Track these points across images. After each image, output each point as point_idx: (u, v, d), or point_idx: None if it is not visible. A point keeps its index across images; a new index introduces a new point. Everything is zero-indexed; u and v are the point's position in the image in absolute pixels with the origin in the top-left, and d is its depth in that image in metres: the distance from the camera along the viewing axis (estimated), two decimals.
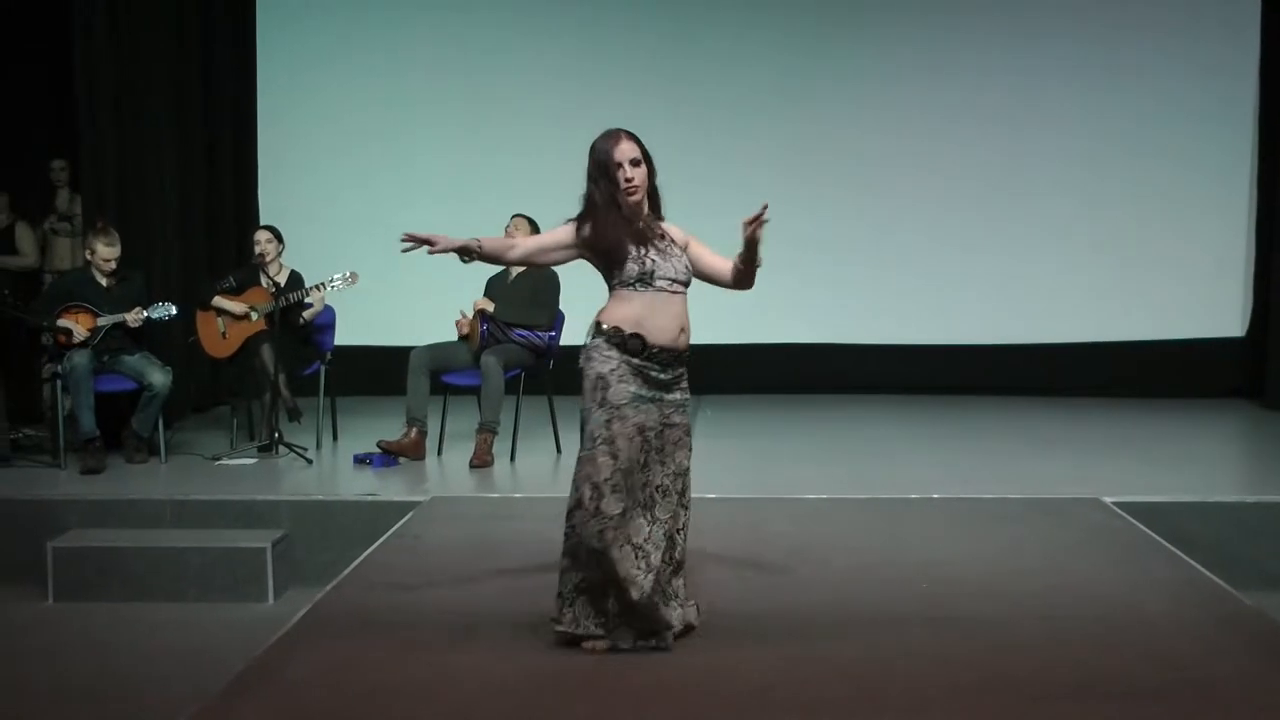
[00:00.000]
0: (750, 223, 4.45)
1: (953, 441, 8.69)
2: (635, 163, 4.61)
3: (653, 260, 4.57)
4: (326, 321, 8.81)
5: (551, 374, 8.28)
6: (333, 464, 8.05)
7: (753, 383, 10.32)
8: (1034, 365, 10.40)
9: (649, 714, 4.04)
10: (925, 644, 4.58)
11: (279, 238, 8.50)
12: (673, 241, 4.65)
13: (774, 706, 4.06)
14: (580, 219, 4.69)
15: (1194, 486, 7.01)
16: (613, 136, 4.67)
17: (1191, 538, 6.33)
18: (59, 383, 7.82)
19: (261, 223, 9.40)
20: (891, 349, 10.36)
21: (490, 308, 8.01)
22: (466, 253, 4.72)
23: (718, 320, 10.42)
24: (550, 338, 8.16)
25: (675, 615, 4.59)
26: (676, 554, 4.62)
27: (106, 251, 7.93)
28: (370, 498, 6.98)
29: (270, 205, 10.43)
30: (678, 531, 4.62)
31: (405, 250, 4.66)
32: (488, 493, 7.28)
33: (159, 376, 7.82)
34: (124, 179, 8.97)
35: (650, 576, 4.48)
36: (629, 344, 4.58)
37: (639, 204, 4.62)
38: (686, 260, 4.64)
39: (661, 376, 4.57)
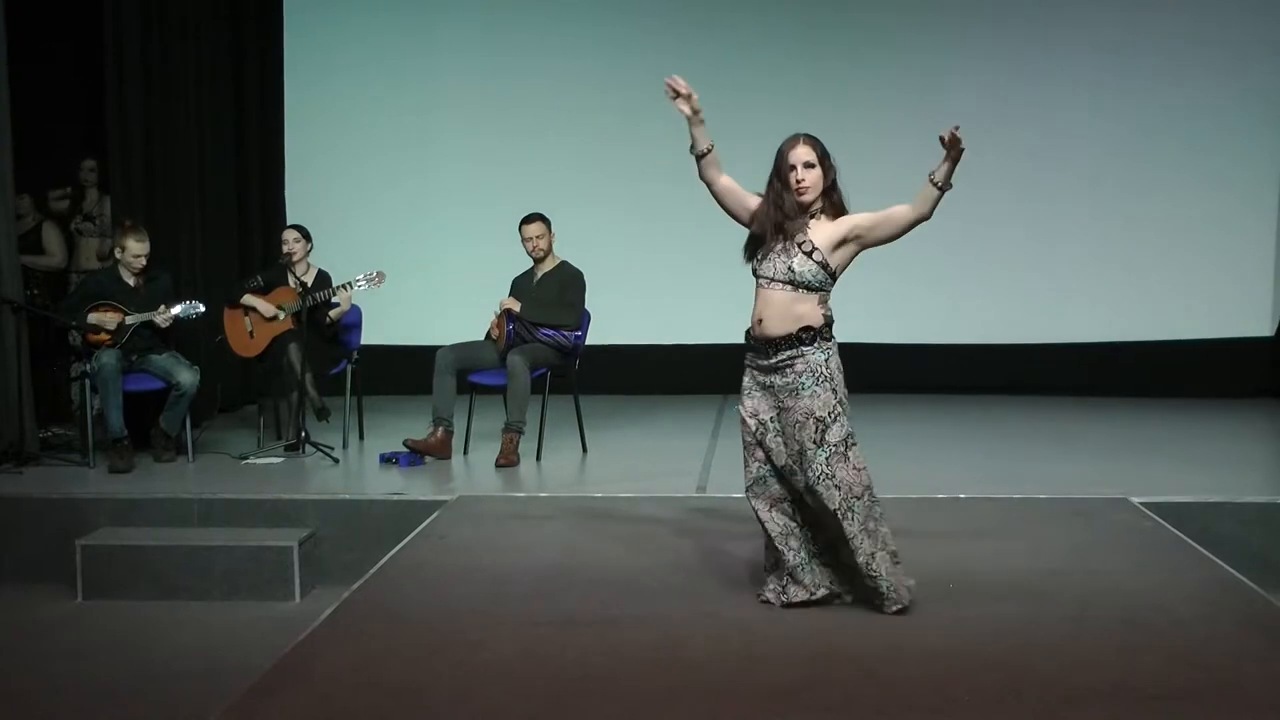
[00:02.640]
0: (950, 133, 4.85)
1: (980, 442, 8.66)
2: (808, 165, 4.88)
3: (763, 258, 4.90)
4: (353, 321, 8.82)
5: (578, 373, 8.28)
6: (359, 463, 8.07)
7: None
8: (1062, 365, 10.37)
9: (673, 714, 4.04)
10: (951, 645, 4.57)
11: (307, 237, 8.52)
12: (802, 244, 4.85)
13: (797, 707, 4.05)
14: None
15: (1223, 487, 6.96)
16: (792, 140, 4.95)
17: (1220, 538, 6.30)
18: (88, 382, 7.85)
19: (289, 222, 9.42)
20: (913, 348, 10.33)
21: (517, 307, 8.01)
22: (696, 145, 5.19)
23: (746, 319, 10.47)
24: (576, 337, 8.16)
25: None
26: (830, 535, 4.95)
27: (137, 248, 7.96)
28: (396, 497, 6.99)
29: (298, 205, 10.46)
30: (826, 511, 4.84)
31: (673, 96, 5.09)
32: (514, 492, 7.28)
33: (187, 376, 7.85)
34: (152, 179, 9.03)
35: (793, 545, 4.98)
36: (746, 335, 5.03)
37: (810, 203, 4.89)
38: (811, 263, 4.84)
39: (763, 362, 4.92)
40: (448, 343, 8.12)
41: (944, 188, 4.83)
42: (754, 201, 5.01)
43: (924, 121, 10.46)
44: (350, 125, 10.77)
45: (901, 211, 4.87)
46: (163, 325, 7.93)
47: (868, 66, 10.52)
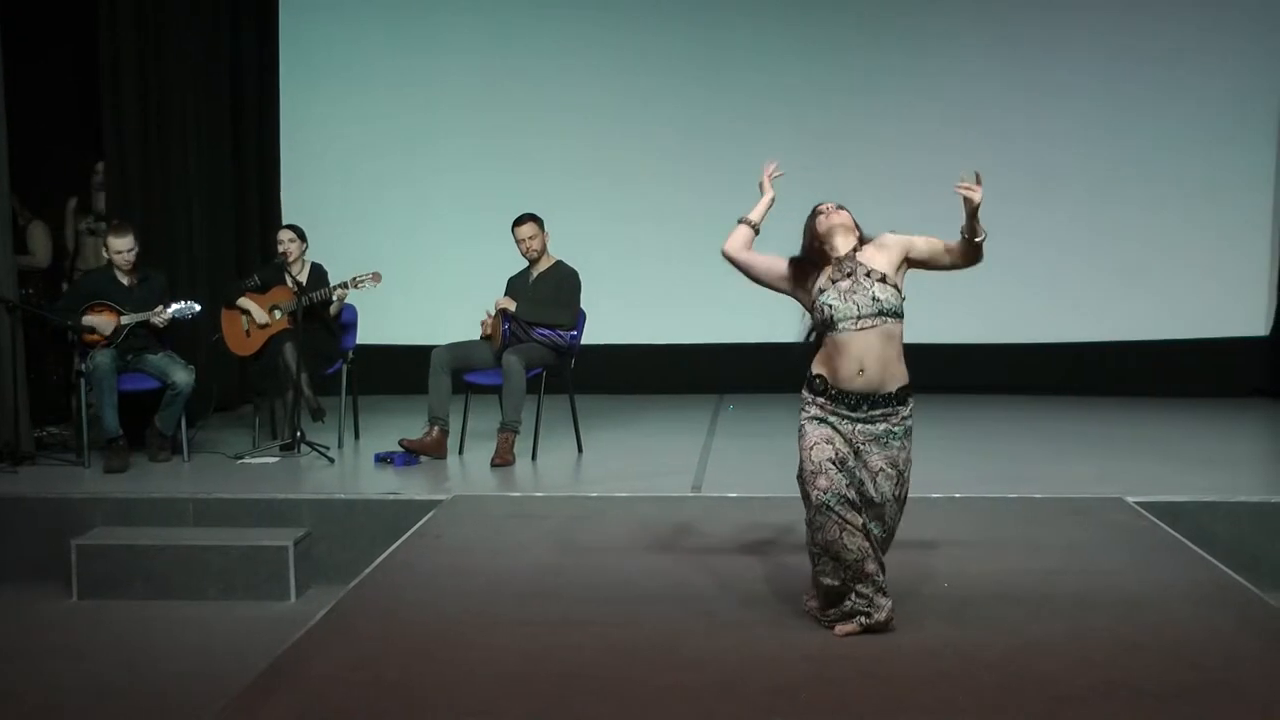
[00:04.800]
0: (962, 188, 4.83)
1: (975, 441, 8.66)
2: (840, 207, 4.94)
3: (834, 301, 4.73)
4: (349, 321, 8.82)
5: (573, 373, 8.28)
6: (355, 463, 8.06)
7: (776, 381, 10.28)
8: (1057, 365, 10.37)
9: (670, 713, 4.04)
10: (947, 644, 4.57)
11: (302, 237, 8.52)
12: (870, 273, 4.78)
13: (796, 706, 4.06)
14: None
15: (1217, 486, 6.96)
16: (825, 209, 4.95)
17: (1215, 538, 6.31)
18: (83, 381, 7.84)
19: (285, 222, 9.41)
20: (911, 348, 10.31)
21: (512, 307, 8.01)
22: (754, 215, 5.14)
23: (741, 319, 10.50)
24: (572, 337, 8.15)
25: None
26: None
27: (118, 243, 7.92)
28: (392, 496, 6.98)
29: (294, 205, 10.45)
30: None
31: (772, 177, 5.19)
32: (509, 491, 7.28)
33: (182, 375, 7.84)
34: (149, 180, 9.01)
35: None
36: (813, 384, 4.81)
37: (846, 225, 4.90)
38: (889, 289, 4.77)
39: (848, 413, 4.75)
40: (443, 342, 8.11)
41: (977, 238, 4.90)
42: (781, 264, 4.97)
43: (918, 126, 10.57)
44: (346, 126, 10.75)
45: (949, 254, 4.99)
46: (159, 325, 7.93)
47: (862, 72, 10.49)
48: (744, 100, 10.51)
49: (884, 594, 4.68)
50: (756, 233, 5.06)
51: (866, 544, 4.65)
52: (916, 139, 10.38)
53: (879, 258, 4.82)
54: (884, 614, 4.66)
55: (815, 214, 4.91)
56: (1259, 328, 10.22)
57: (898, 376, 4.80)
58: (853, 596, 4.68)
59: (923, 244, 4.93)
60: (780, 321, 10.23)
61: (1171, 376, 10.26)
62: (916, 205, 10.31)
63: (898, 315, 4.77)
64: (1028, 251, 10.34)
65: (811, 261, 4.87)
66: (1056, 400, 10.08)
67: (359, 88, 10.75)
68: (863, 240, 4.89)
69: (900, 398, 4.80)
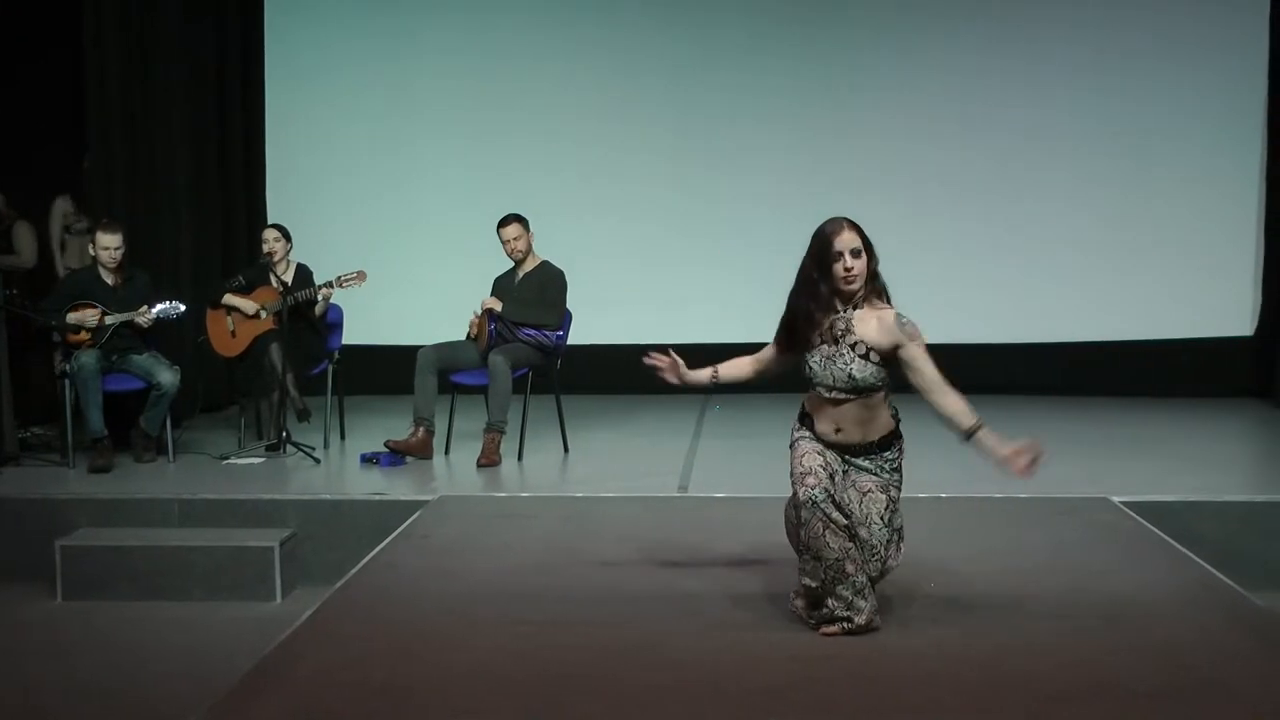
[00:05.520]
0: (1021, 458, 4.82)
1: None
2: (856, 253, 4.65)
3: (815, 365, 4.70)
4: (335, 321, 8.81)
5: (559, 373, 8.28)
6: (340, 463, 8.05)
7: (761, 381, 10.28)
8: (1043, 364, 10.37)
9: (657, 713, 4.03)
10: (934, 644, 4.57)
11: (287, 236, 8.51)
12: (855, 345, 4.67)
13: (782, 706, 4.05)
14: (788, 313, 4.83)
15: (1204, 486, 6.98)
16: (835, 224, 4.70)
17: (1201, 537, 6.32)
18: (67, 381, 7.82)
19: (270, 222, 9.39)
20: None
21: (498, 307, 8.00)
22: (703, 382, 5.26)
23: (727, 319, 10.49)
24: (558, 337, 8.15)
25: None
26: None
27: (106, 240, 7.90)
28: (378, 497, 6.97)
29: (279, 205, 10.43)
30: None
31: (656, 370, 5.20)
32: (495, 492, 7.27)
33: (167, 375, 7.82)
34: (134, 180, 8.99)
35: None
36: (802, 418, 4.87)
37: (854, 293, 4.68)
38: (869, 365, 4.66)
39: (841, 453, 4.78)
40: (429, 343, 8.11)
41: (966, 440, 4.84)
42: (770, 349, 4.95)
43: (906, 123, 10.58)
44: (332, 125, 10.73)
45: (933, 394, 4.84)
46: (144, 325, 7.90)
47: (851, 69, 10.49)
48: (730, 99, 10.50)
49: (864, 596, 4.66)
50: (717, 376, 5.22)
51: (850, 545, 4.64)
52: (905, 137, 10.39)
53: (872, 327, 4.67)
54: (864, 617, 4.64)
55: (826, 236, 4.69)
56: (1244, 328, 10.24)
57: (879, 428, 4.80)
58: (830, 601, 4.66)
59: (920, 362, 4.78)
60: (766, 322, 10.35)
61: (1157, 377, 10.27)
62: (906, 202, 10.39)
63: (876, 389, 4.72)
64: (1012, 252, 10.37)
65: (797, 320, 4.74)
66: (1042, 400, 10.07)
67: (344, 88, 10.73)
68: (872, 287, 4.73)
69: (884, 444, 4.81)
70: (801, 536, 4.71)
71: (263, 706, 4.11)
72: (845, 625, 4.64)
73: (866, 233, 4.72)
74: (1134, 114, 10.27)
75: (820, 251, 4.68)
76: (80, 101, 9.15)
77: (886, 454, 4.82)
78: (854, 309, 4.70)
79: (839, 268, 4.63)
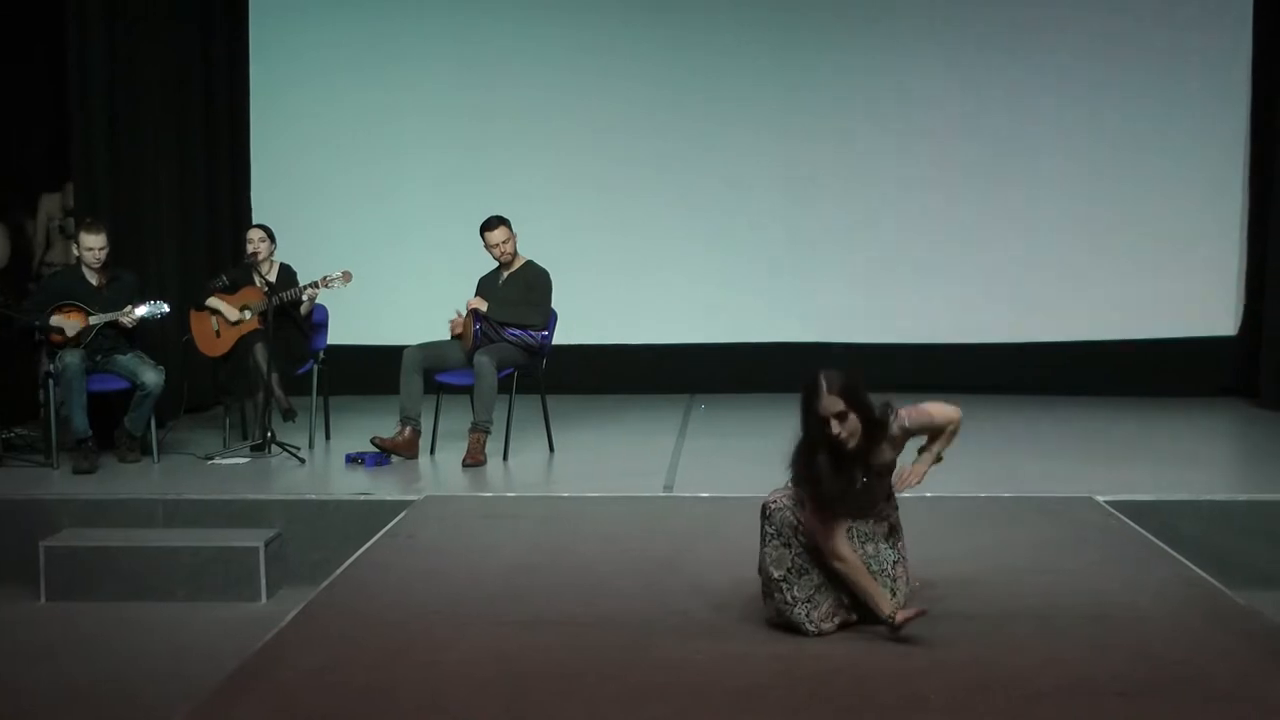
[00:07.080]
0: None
1: None
2: (840, 416, 4.55)
3: (855, 538, 4.74)
4: (320, 321, 8.80)
5: (544, 373, 8.28)
6: (326, 463, 8.04)
7: (747, 381, 10.30)
8: (1025, 365, 10.38)
9: (642, 712, 4.04)
10: (918, 642, 4.58)
11: (271, 237, 8.49)
12: (880, 474, 4.76)
13: (766, 706, 4.06)
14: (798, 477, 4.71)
15: (1187, 485, 7.01)
16: (813, 388, 4.59)
17: (1184, 536, 6.34)
18: (51, 382, 7.80)
19: (254, 222, 9.38)
20: (883, 348, 10.34)
21: (484, 307, 8.00)
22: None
23: (713, 319, 10.52)
24: (543, 337, 8.15)
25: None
26: None
27: (89, 240, 7.88)
28: (363, 497, 6.97)
29: (264, 205, 10.41)
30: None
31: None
32: (481, 492, 7.27)
33: (151, 376, 7.81)
34: (118, 180, 8.96)
35: None
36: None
37: (857, 448, 4.62)
38: (889, 492, 4.84)
39: None
40: (414, 342, 8.10)
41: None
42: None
43: (895, 125, 10.59)
44: (317, 126, 10.70)
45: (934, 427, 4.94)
46: (128, 325, 7.88)
47: (833, 72, 10.48)
48: (716, 102, 10.49)
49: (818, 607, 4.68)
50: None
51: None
52: (890, 141, 10.40)
53: (886, 453, 4.76)
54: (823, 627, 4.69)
55: (815, 405, 4.60)
56: (1228, 327, 10.27)
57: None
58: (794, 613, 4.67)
59: (919, 426, 4.89)
60: (751, 322, 10.37)
61: (1140, 376, 10.29)
62: (891, 205, 10.42)
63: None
64: (995, 252, 10.38)
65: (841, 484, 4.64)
66: (1026, 400, 10.10)
67: (329, 89, 10.70)
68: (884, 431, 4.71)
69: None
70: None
71: (248, 706, 4.11)
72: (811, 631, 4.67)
73: (855, 384, 4.62)
74: (1118, 116, 10.29)
75: (808, 423, 4.65)
76: (61, 102, 9.13)
77: (884, 505, 4.91)
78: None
79: (829, 435, 4.58)
